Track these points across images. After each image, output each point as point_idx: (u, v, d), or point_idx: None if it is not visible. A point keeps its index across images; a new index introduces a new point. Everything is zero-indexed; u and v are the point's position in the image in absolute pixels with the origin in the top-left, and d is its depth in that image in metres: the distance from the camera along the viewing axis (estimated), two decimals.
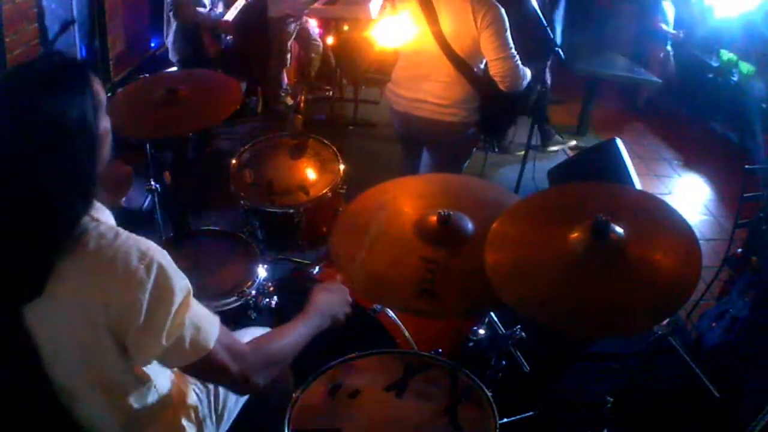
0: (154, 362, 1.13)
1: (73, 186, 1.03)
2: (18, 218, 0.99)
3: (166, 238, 2.38)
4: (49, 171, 1.00)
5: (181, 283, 1.09)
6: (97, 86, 1.08)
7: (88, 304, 1.02)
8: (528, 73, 2.52)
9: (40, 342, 1.04)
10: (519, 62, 2.44)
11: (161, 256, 1.08)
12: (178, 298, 1.07)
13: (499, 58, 2.41)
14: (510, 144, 4.35)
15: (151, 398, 1.22)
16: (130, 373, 1.14)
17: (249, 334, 1.65)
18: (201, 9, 3.28)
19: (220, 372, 1.16)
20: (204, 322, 1.13)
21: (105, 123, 1.10)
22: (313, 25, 4.90)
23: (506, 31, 2.40)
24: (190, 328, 1.09)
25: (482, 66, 2.55)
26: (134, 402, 1.18)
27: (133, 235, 1.08)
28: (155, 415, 1.24)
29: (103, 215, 1.14)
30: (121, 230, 1.08)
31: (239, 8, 3.61)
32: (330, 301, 1.50)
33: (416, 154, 2.88)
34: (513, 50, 2.42)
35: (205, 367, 1.13)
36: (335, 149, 2.50)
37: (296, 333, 1.34)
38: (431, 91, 2.55)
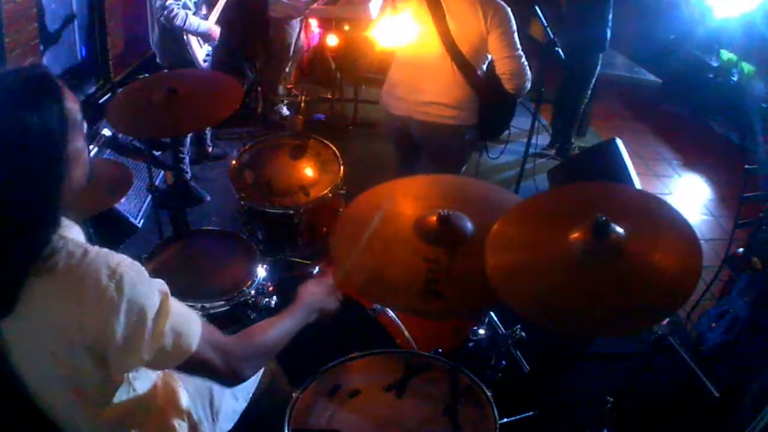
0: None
1: (37, 205, 0.99)
2: None
3: (166, 238, 2.38)
4: (6, 189, 0.97)
5: (155, 293, 1.07)
6: (70, 103, 1.03)
7: (62, 325, 1.00)
8: (530, 77, 2.52)
9: (17, 358, 1.03)
10: (525, 62, 2.45)
11: (131, 269, 1.04)
12: (153, 310, 1.05)
13: (506, 57, 2.42)
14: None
15: (131, 401, 1.21)
16: (108, 382, 1.13)
17: None
18: (187, 12, 3.30)
19: (207, 368, 1.17)
20: (185, 325, 1.11)
21: (77, 143, 1.06)
22: (313, 24, 4.92)
23: (514, 32, 2.42)
24: (170, 335, 1.08)
25: (484, 68, 2.55)
26: (114, 408, 1.17)
27: (102, 251, 1.04)
28: (140, 418, 1.24)
29: (71, 231, 1.10)
30: (89, 247, 1.04)
31: (221, 9, 3.61)
32: (317, 295, 1.50)
33: (412, 159, 2.85)
34: (520, 50, 2.44)
35: (191, 366, 1.14)
36: (335, 150, 2.50)
37: (282, 326, 1.35)
38: (433, 93, 2.54)
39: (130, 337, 1.03)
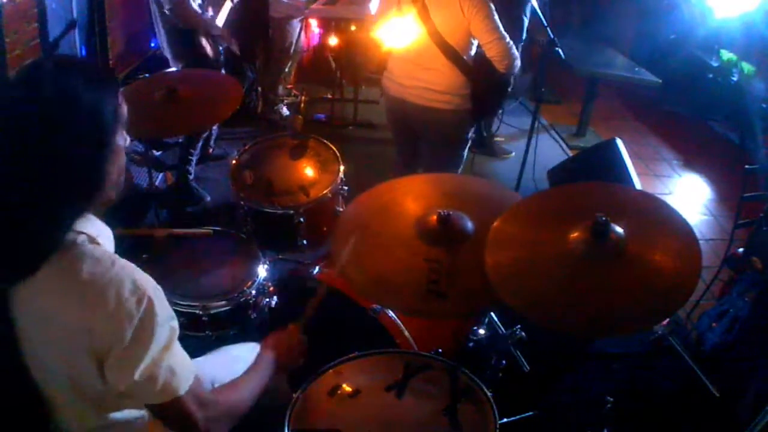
0: None
1: (73, 177, 1.02)
2: (12, 197, 1.00)
3: (167, 237, 2.37)
4: (52, 158, 1.00)
5: (168, 324, 1.09)
6: (123, 104, 1.10)
7: (74, 325, 1.02)
8: (518, 57, 2.60)
9: (24, 346, 1.04)
10: (511, 42, 2.54)
11: (154, 292, 1.07)
12: (161, 338, 1.07)
13: (492, 41, 2.51)
14: (495, 143, 4.38)
15: (139, 413, 1.22)
16: (110, 393, 1.12)
17: (228, 353, 1.65)
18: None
19: (184, 419, 1.14)
20: (181, 367, 1.12)
21: (120, 141, 1.11)
22: (313, 24, 4.92)
23: (493, 14, 2.50)
24: (165, 370, 1.08)
25: (472, 54, 2.64)
26: (119, 416, 1.18)
27: (130, 265, 1.07)
28: (148, 424, 1.24)
29: (105, 240, 1.13)
30: (118, 258, 1.07)
31: (227, 11, 3.60)
32: (282, 349, 1.49)
33: (410, 143, 2.95)
34: (503, 32, 2.52)
35: (171, 411, 1.12)
36: (335, 150, 2.50)
37: (256, 384, 1.35)
38: (427, 79, 2.64)
39: (131, 351, 1.04)
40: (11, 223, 1.00)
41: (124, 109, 1.10)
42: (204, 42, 3.43)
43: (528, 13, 3.53)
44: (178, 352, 1.13)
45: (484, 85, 2.66)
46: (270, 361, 1.44)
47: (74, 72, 1.04)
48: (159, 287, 1.09)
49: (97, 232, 1.10)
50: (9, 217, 1.00)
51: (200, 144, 3.54)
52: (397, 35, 2.62)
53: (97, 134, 1.04)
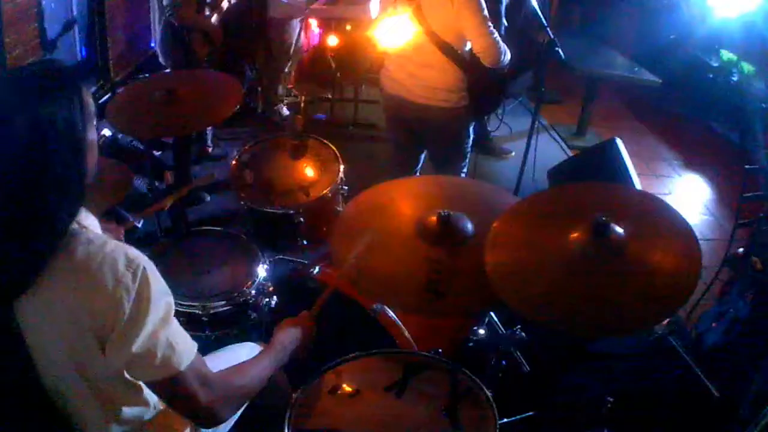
0: None
1: (61, 189, 1.04)
2: (5, 216, 1.01)
3: (166, 237, 2.38)
4: (35, 172, 1.01)
5: (164, 297, 1.10)
6: (87, 97, 1.09)
7: (75, 308, 1.03)
8: (508, 51, 2.59)
9: (31, 342, 1.04)
10: (498, 38, 2.54)
11: (148, 265, 1.09)
12: (159, 310, 1.08)
13: (479, 35, 2.50)
14: (495, 144, 4.38)
15: (147, 409, 1.23)
16: (121, 382, 1.14)
17: (232, 352, 1.64)
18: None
19: (187, 398, 1.14)
20: (180, 343, 1.12)
21: (92, 135, 1.12)
22: (313, 25, 4.91)
23: (483, 10, 2.49)
24: (164, 344, 1.09)
25: (467, 49, 2.63)
26: (129, 412, 1.19)
27: (122, 243, 1.09)
28: (150, 422, 1.25)
29: (90, 223, 1.15)
30: (109, 239, 1.10)
31: (224, 9, 3.59)
32: (295, 336, 1.49)
33: (408, 141, 2.95)
34: (491, 28, 2.51)
35: (172, 388, 1.12)
36: (335, 149, 2.50)
37: (263, 368, 1.34)
38: (424, 76, 2.64)
39: (131, 322, 1.05)
40: (11, 238, 1.01)
41: (90, 103, 1.10)
42: (196, 43, 3.42)
43: (504, 8, 3.53)
44: (177, 329, 1.13)
45: (481, 81, 2.66)
46: (281, 347, 1.43)
47: (44, 97, 1.02)
48: (151, 262, 1.10)
49: (86, 223, 1.12)
50: (9, 233, 1.01)
51: (190, 142, 3.53)
52: (393, 35, 2.61)
53: (74, 143, 1.05)
